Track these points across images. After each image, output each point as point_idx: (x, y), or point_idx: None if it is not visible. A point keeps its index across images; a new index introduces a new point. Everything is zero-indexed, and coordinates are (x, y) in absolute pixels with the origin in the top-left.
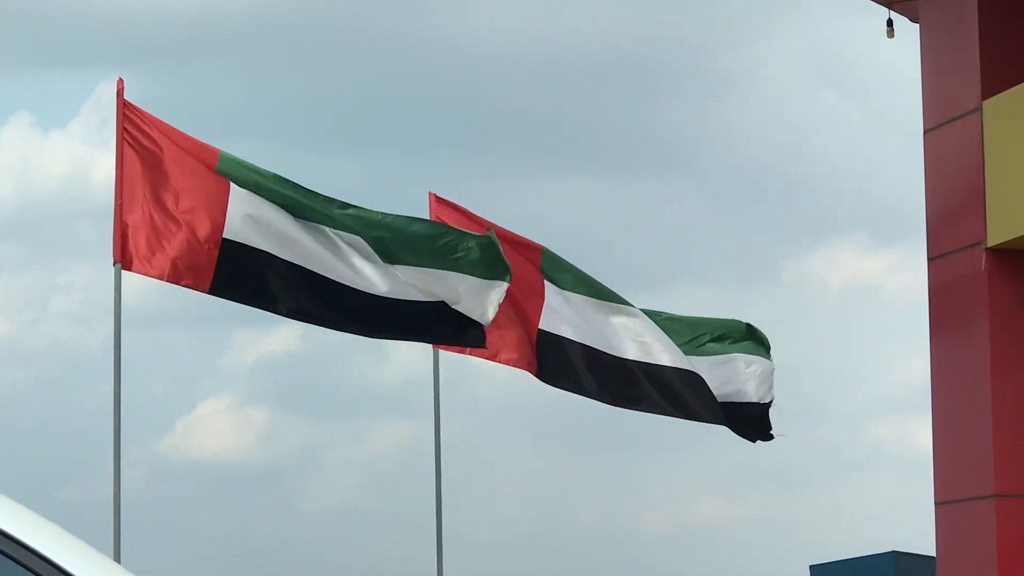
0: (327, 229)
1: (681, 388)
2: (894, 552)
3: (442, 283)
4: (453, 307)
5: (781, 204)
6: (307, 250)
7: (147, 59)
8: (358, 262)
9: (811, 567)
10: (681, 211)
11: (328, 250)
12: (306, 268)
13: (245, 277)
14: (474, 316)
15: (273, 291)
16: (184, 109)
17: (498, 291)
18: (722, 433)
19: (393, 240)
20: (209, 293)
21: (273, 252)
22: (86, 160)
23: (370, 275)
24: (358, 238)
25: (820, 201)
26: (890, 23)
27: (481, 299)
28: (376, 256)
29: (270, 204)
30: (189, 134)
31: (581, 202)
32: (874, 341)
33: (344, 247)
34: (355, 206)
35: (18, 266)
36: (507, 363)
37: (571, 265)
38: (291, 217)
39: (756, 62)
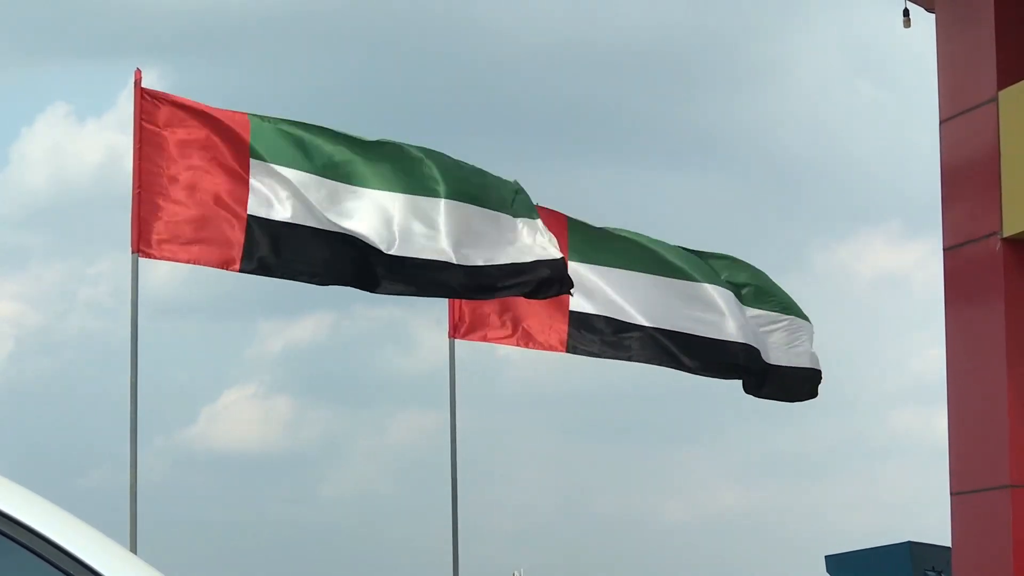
0: (368, 191)
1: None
2: (910, 542)
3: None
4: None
5: (813, 194)
6: (341, 216)
7: (183, 50)
8: (403, 222)
9: (827, 557)
10: (715, 200)
11: (369, 214)
12: (342, 234)
13: (274, 251)
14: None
15: (306, 261)
16: (219, 100)
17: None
18: (742, 422)
19: (441, 176)
20: (240, 271)
21: (299, 222)
22: (121, 150)
23: (419, 234)
24: (402, 195)
25: (852, 192)
26: (906, 13)
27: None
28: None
29: (298, 171)
30: (218, 108)
31: (617, 191)
32: (901, 331)
33: (391, 205)
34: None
35: (50, 256)
36: (535, 347)
37: (602, 233)
38: (323, 180)
39: (791, 54)
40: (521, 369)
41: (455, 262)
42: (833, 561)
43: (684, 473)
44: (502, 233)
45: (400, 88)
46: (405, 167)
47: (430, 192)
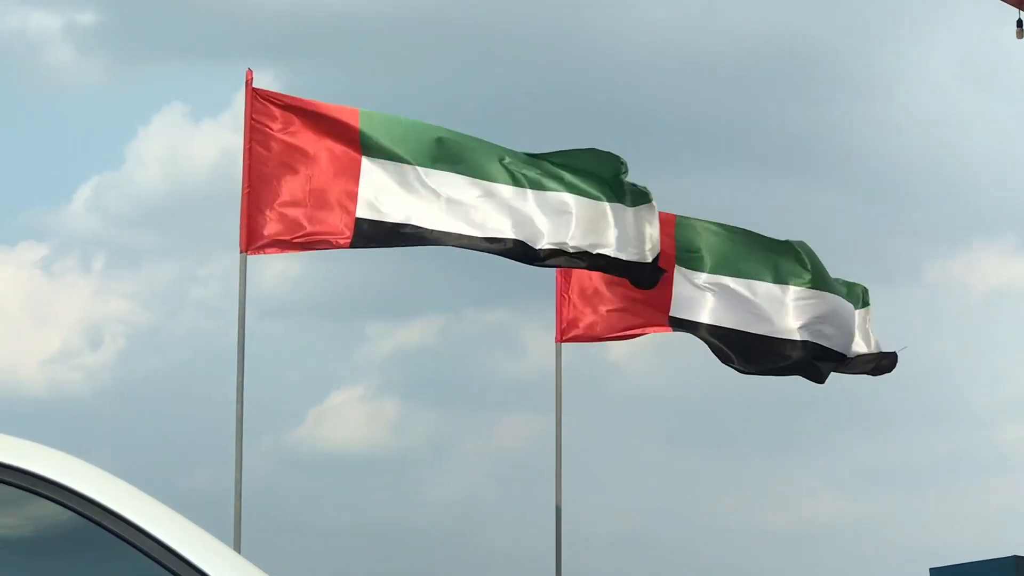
0: (481, 181)
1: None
2: (1015, 556)
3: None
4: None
5: (925, 205)
6: (450, 211)
7: (300, 51)
8: (517, 208)
9: (931, 570)
10: (823, 210)
11: (478, 205)
12: (446, 231)
13: (379, 243)
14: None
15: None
16: (332, 101)
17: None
18: (848, 432)
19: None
20: (351, 246)
21: (409, 222)
22: (236, 150)
23: (529, 221)
24: (513, 187)
25: (966, 204)
26: (1020, 23)
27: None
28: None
29: (410, 166)
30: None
31: (722, 198)
32: (1013, 345)
33: (506, 197)
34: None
35: (163, 255)
36: (640, 334)
37: (710, 228)
38: (434, 172)
39: (903, 63)
40: (628, 375)
41: (571, 249)
42: (938, 574)
43: (788, 482)
44: (616, 225)
45: (506, 93)
46: (515, 162)
47: (541, 186)
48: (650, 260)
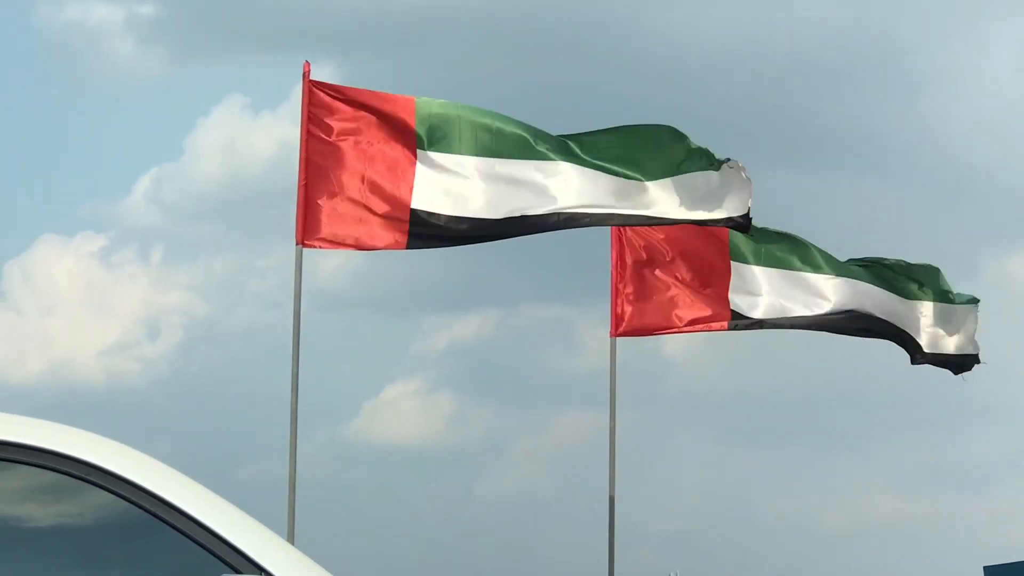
0: (538, 163)
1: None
2: None
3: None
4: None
5: (985, 202)
6: (504, 200)
7: (359, 46)
8: (575, 192)
9: (985, 568)
10: (885, 207)
11: (532, 190)
12: (503, 218)
13: (436, 242)
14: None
15: (470, 232)
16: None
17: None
18: (904, 431)
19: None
20: (407, 248)
21: (465, 215)
22: (294, 142)
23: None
24: (569, 164)
25: None
26: None
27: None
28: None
29: (464, 156)
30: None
31: (787, 196)
32: None
33: (560, 178)
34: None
35: (221, 247)
36: (697, 329)
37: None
38: (488, 160)
39: (964, 61)
40: (684, 370)
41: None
42: (992, 572)
43: (844, 480)
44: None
45: (566, 87)
46: (576, 147)
47: (605, 169)
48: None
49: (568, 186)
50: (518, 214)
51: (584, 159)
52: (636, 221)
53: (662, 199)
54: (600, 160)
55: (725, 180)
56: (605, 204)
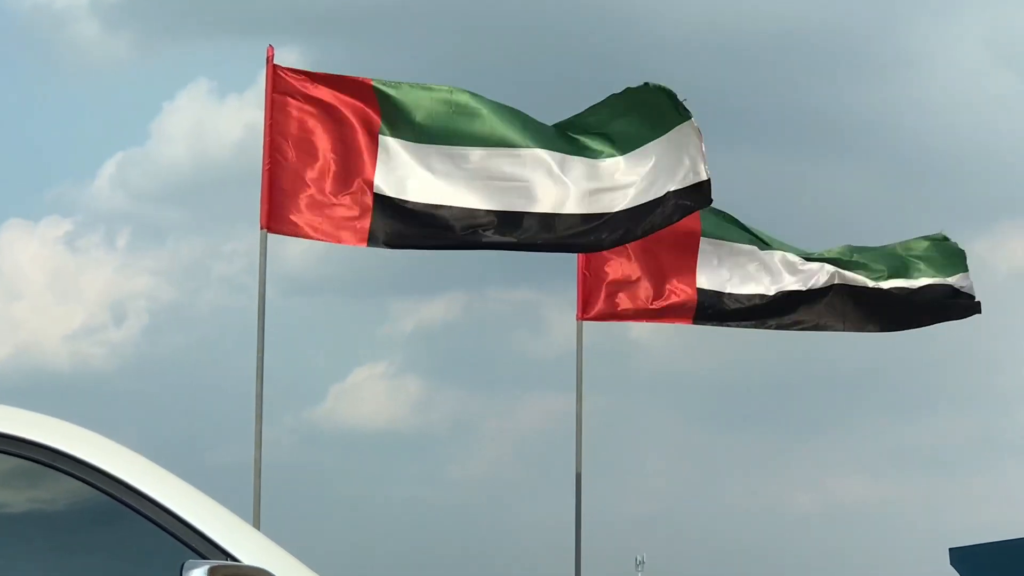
0: (506, 150)
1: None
2: None
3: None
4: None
5: (950, 186)
6: (470, 187)
7: (325, 30)
8: (542, 176)
9: (951, 549)
10: (849, 190)
11: (504, 176)
12: (466, 207)
13: (401, 228)
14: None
15: (432, 234)
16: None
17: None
18: (873, 414)
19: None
20: (368, 246)
21: (427, 200)
22: (260, 126)
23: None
24: (538, 151)
25: (990, 184)
26: None
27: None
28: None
29: (426, 145)
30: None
31: (749, 178)
32: None
33: (529, 164)
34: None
35: (187, 231)
36: (662, 318)
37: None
38: (453, 148)
39: (930, 45)
40: (652, 354)
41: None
42: (958, 554)
43: (813, 463)
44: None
45: (531, 76)
46: (539, 127)
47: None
48: (704, 177)
49: (534, 178)
50: (480, 221)
51: (556, 142)
52: (601, 244)
53: (633, 174)
54: (576, 134)
55: (680, 138)
56: (568, 205)
